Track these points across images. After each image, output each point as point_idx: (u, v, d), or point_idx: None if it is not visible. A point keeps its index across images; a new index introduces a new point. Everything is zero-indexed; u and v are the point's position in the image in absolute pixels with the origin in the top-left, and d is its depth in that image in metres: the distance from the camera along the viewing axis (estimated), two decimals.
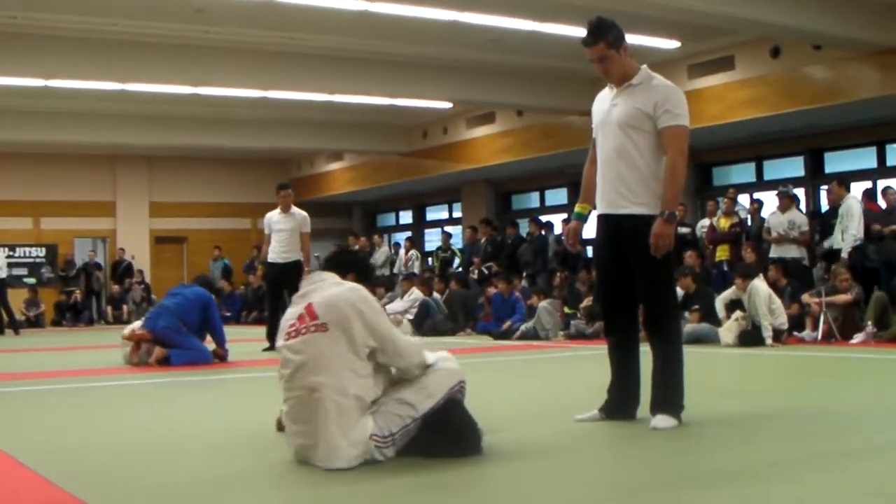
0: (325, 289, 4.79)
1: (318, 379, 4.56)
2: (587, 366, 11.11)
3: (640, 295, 5.89)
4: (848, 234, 14.99)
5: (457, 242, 26.54)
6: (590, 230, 6.17)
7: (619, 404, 5.96)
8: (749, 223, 17.74)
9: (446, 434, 4.80)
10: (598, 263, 6.19)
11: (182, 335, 11.97)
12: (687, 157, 5.84)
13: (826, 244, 15.65)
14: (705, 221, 18.33)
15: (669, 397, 5.77)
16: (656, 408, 5.75)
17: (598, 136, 6.01)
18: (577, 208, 6.24)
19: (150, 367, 11.67)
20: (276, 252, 13.62)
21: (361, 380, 4.61)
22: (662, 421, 5.64)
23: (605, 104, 5.97)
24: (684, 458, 4.91)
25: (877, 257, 15.15)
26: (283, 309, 14.76)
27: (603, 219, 5.95)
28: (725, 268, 16.95)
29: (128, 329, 12.71)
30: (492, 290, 18.60)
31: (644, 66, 5.95)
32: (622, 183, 5.78)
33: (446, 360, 5.10)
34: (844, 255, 14.84)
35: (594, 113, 6.09)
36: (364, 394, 4.61)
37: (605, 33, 5.82)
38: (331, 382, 4.55)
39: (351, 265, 5.14)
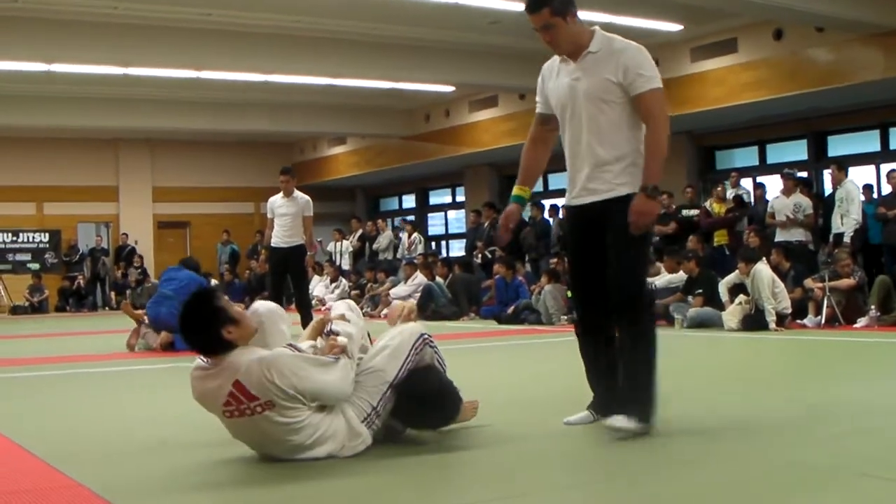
0: (235, 360, 4.44)
1: (281, 443, 4.52)
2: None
3: (608, 278, 5.17)
4: (849, 218, 14.97)
5: (461, 227, 26.56)
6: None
7: (609, 401, 5.21)
8: (753, 205, 17.72)
9: (423, 400, 4.81)
10: (575, 257, 5.46)
11: None
12: (669, 123, 5.15)
13: (836, 230, 15.53)
14: (706, 205, 18.30)
15: (634, 395, 5.05)
16: (618, 405, 5.04)
17: (560, 115, 5.32)
18: (515, 191, 5.59)
19: (154, 352, 11.70)
20: (279, 236, 13.59)
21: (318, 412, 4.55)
22: (620, 421, 4.93)
23: (564, 79, 5.26)
24: (674, 446, 4.89)
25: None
26: (287, 293, 14.61)
27: (581, 209, 5.31)
28: (727, 252, 16.93)
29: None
30: (499, 269, 18.53)
31: (597, 28, 5.28)
32: (601, 166, 5.16)
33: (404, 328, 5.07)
34: (847, 239, 14.83)
35: (549, 91, 5.39)
36: (323, 419, 4.57)
37: None
38: (290, 438, 4.50)
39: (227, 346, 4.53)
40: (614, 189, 5.12)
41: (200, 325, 4.45)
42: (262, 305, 5.21)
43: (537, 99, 5.51)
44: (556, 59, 5.38)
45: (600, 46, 5.17)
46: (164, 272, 13.39)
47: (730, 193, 17.92)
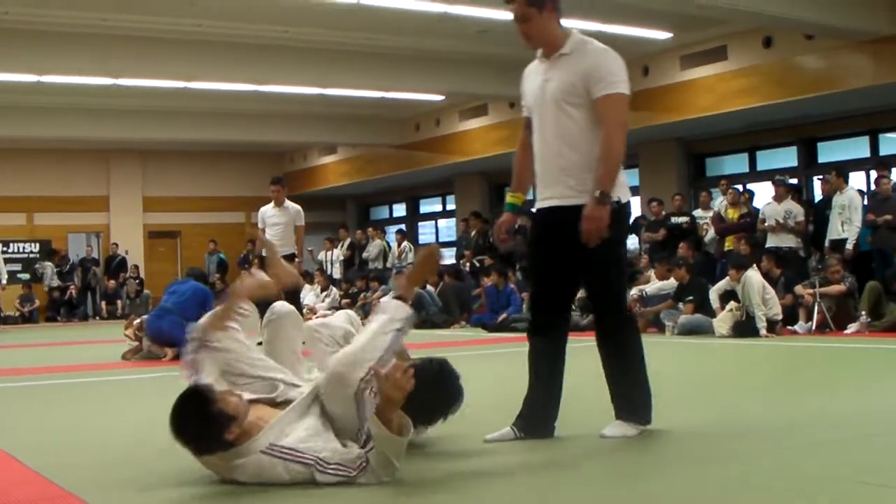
0: (236, 455, 4.27)
1: None
2: (580, 358, 11.11)
3: (588, 293, 5.30)
4: (853, 225, 14.96)
5: (451, 235, 26.62)
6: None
7: (539, 420, 5.23)
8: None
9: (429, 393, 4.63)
10: (536, 259, 5.41)
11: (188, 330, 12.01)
12: (626, 130, 5.06)
13: (834, 236, 15.47)
14: (698, 212, 18.32)
15: (631, 401, 5.19)
16: (618, 413, 5.20)
17: (533, 117, 5.29)
18: (508, 198, 5.48)
19: (150, 361, 11.73)
20: None
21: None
22: (617, 428, 5.13)
23: (537, 79, 5.23)
24: (666, 454, 4.89)
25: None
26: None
27: (546, 212, 5.22)
28: None
29: (132, 322, 12.76)
30: (487, 281, 18.55)
31: (574, 31, 5.19)
32: (565, 170, 5.08)
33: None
34: (849, 246, 14.83)
35: (525, 92, 5.36)
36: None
37: None
38: None
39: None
40: (578, 196, 5.03)
41: (200, 435, 4.19)
42: (280, 305, 5.13)
43: (522, 103, 5.45)
44: (536, 60, 5.32)
45: (572, 49, 5.11)
46: (168, 285, 13.41)
47: (720, 202, 17.89)
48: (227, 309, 4.69)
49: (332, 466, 4.17)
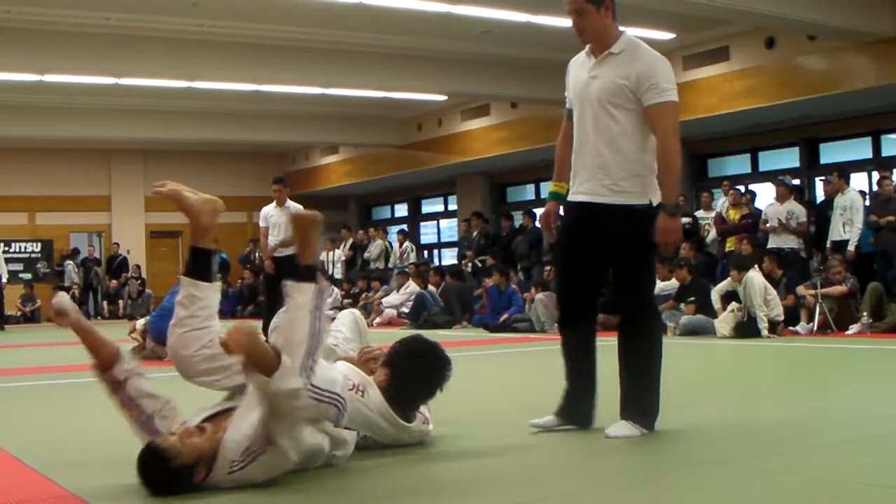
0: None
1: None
2: None
3: (616, 292, 5.34)
4: (854, 227, 14.97)
5: (453, 235, 26.59)
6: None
7: (575, 409, 5.35)
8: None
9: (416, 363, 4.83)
10: (564, 252, 5.44)
11: None
12: (679, 137, 5.12)
13: (836, 237, 15.50)
14: (700, 213, 18.32)
15: (640, 404, 5.20)
16: (624, 413, 5.21)
17: (574, 109, 5.35)
18: (552, 187, 5.53)
19: (153, 361, 11.72)
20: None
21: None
22: (622, 429, 5.12)
23: (583, 74, 5.27)
24: (666, 454, 4.88)
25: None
26: (280, 303, 14.78)
27: (577, 206, 5.28)
28: None
29: (135, 326, 12.78)
30: (489, 282, 18.55)
31: (626, 32, 5.26)
32: (602, 169, 5.13)
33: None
34: (851, 248, 14.82)
35: (570, 83, 5.40)
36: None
37: None
38: None
39: None
40: (612, 195, 5.13)
41: (169, 490, 4.10)
42: None
43: (566, 94, 5.48)
44: (583, 52, 5.37)
45: (623, 49, 5.16)
46: (173, 286, 13.43)
47: (722, 203, 17.89)
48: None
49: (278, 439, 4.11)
